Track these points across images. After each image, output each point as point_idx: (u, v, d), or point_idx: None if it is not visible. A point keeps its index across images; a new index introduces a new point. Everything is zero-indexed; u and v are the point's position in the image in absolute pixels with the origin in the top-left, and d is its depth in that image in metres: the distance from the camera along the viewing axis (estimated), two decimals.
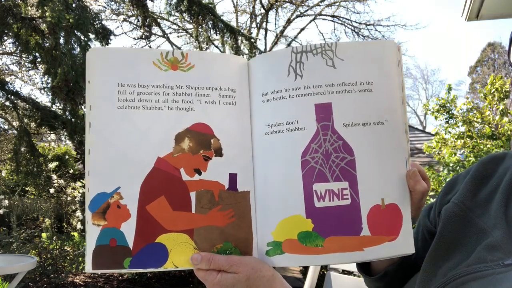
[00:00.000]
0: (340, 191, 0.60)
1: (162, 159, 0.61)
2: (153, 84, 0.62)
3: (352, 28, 13.12)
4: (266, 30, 13.10)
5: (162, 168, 0.61)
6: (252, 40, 9.62)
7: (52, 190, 6.22)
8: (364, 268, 0.78)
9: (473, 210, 0.61)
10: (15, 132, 6.03)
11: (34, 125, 5.94)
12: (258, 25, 12.98)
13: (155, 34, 11.19)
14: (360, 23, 13.05)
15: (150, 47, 11.92)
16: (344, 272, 2.56)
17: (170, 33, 12.19)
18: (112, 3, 8.86)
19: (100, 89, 0.61)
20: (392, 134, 0.61)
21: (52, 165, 6.74)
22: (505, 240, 0.52)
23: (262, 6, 12.71)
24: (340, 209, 0.59)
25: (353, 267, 2.25)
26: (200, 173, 0.62)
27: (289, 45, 13.35)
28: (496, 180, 0.63)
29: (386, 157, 0.60)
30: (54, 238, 5.34)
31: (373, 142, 0.60)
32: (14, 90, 5.76)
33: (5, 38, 5.01)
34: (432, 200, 3.99)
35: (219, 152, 0.62)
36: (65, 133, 5.82)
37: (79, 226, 6.23)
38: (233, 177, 0.63)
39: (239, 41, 8.99)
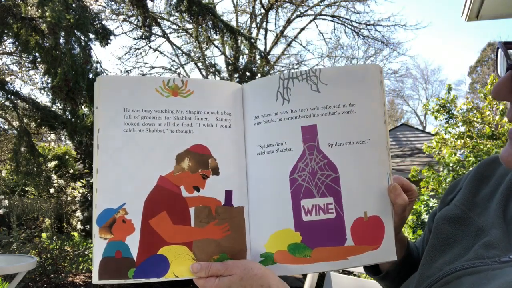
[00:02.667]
0: (325, 205, 0.64)
1: (164, 178, 0.66)
2: (155, 109, 0.67)
3: (352, 28, 13.12)
4: (266, 30, 13.10)
5: (164, 186, 0.66)
6: (252, 40, 9.61)
7: (52, 190, 6.23)
8: (371, 268, 0.82)
9: (473, 209, 0.62)
10: (15, 132, 6.03)
11: (34, 125, 5.94)
12: (258, 25, 12.98)
13: (155, 34, 11.19)
14: (360, 23, 13.05)
15: (150, 47, 11.94)
16: (344, 272, 2.56)
17: (170, 33, 12.19)
18: (112, 3, 8.86)
19: (108, 114, 0.66)
20: (374, 152, 0.65)
21: (51, 164, 6.74)
22: (503, 239, 0.53)
23: (262, 6, 12.71)
24: (326, 222, 0.64)
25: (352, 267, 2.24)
26: (198, 190, 0.66)
27: (289, 45, 13.35)
28: (496, 180, 0.63)
29: (369, 173, 0.65)
30: (54, 238, 5.35)
31: (356, 160, 0.65)
32: (14, 90, 5.76)
33: (5, 38, 5.01)
34: (433, 200, 3.99)
35: (216, 171, 0.68)
36: (65, 133, 5.82)
37: (79, 226, 6.23)
38: (228, 194, 0.67)
39: (239, 41, 8.98)
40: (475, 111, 4.35)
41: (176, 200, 0.65)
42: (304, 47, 13.83)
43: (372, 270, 0.81)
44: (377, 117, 0.66)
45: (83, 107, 5.17)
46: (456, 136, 4.29)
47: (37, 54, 4.85)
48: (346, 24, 13.12)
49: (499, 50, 0.48)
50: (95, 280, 0.62)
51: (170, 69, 12.90)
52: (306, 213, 0.64)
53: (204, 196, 0.66)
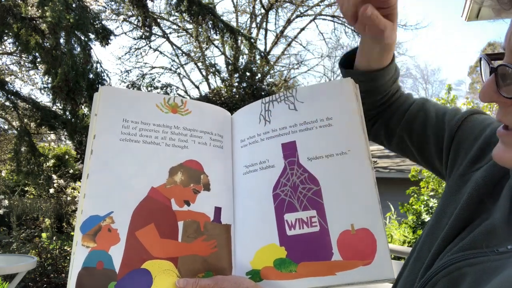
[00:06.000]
0: (308, 219, 0.64)
1: (155, 189, 0.66)
2: (154, 123, 0.69)
3: (352, 28, 13.10)
4: (266, 30, 13.10)
5: (155, 197, 0.65)
6: (252, 40, 9.61)
7: (52, 190, 6.23)
8: (346, 60, 0.79)
9: (489, 197, 0.59)
10: (15, 132, 6.03)
11: (34, 125, 5.94)
12: (258, 25, 12.98)
13: (155, 34, 11.20)
14: None
15: (150, 47, 11.93)
16: None
17: (170, 33, 12.19)
18: (112, 3, 8.87)
19: (106, 121, 0.67)
20: (356, 162, 0.65)
21: (50, 162, 6.74)
22: (503, 225, 0.52)
23: (262, 6, 12.71)
24: (310, 236, 0.63)
25: None
26: (189, 204, 0.66)
27: (289, 45, 13.35)
28: None
29: (352, 184, 0.64)
30: (54, 238, 5.35)
31: (338, 171, 0.65)
32: (14, 90, 5.76)
33: (5, 38, 5.01)
34: (433, 200, 3.99)
35: (207, 187, 0.68)
36: (65, 133, 5.82)
37: None
38: (218, 210, 0.68)
39: (239, 41, 8.99)
40: None
41: (165, 213, 0.64)
42: (304, 47, 13.85)
43: (345, 64, 0.78)
44: (355, 128, 0.67)
45: (83, 107, 5.17)
46: None
47: (37, 54, 4.86)
48: (346, 24, 13.12)
49: (482, 60, 0.51)
50: None
51: (170, 69, 12.91)
52: (290, 227, 0.64)
53: (194, 210, 0.66)
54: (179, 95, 11.52)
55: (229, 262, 0.66)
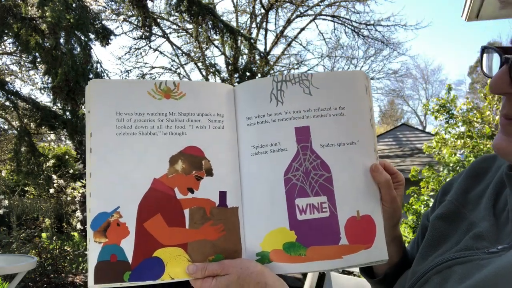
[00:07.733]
0: (319, 204, 0.66)
1: (157, 180, 0.66)
2: (148, 112, 0.68)
3: (352, 28, 13.12)
4: (266, 30, 13.10)
5: (158, 188, 0.66)
6: (252, 40, 9.62)
7: (52, 190, 6.23)
8: (367, 271, 0.81)
9: (466, 206, 0.64)
10: (15, 132, 6.04)
11: (34, 125, 5.94)
12: (258, 25, 12.98)
13: (155, 34, 11.19)
14: (360, 23, 13.05)
15: (150, 47, 11.93)
16: (344, 272, 2.56)
17: (170, 33, 12.19)
18: (112, 3, 8.86)
19: (100, 118, 0.66)
20: (363, 153, 0.68)
21: (50, 162, 6.74)
22: (492, 231, 0.55)
23: (262, 6, 12.71)
24: (320, 221, 0.66)
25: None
26: (192, 192, 0.67)
27: (289, 45, 13.35)
28: (489, 178, 0.65)
29: (359, 173, 0.67)
30: (54, 238, 5.35)
31: (347, 160, 0.67)
32: (14, 90, 5.77)
33: (5, 38, 5.01)
34: (433, 200, 3.99)
35: (209, 172, 0.68)
36: (65, 133, 5.83)
37: (79, 226, 6.24)
38: (223, 195, 0.68)
39: (239, 41, 8.99)
40: (475, 111, 4.35)
41: (170, 202, 0.65)
42: (304, 47, 13.83)
43: (369, 273, 0.81)
44: (364, 120, 0.69)
45: (83, 107, 5.17)
46: (456, 136, 4.29)
47: (37, 54, 4.86)
48: (346, 24, 13.13)
49: (488, 51, 0.52)
50: (91, 284, 0.62)
51: (170, 69, 12.91)
52: (300, 212, 0.66)
53: (198, 197, 0.66)
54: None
55: (239, 244, 0.67)
